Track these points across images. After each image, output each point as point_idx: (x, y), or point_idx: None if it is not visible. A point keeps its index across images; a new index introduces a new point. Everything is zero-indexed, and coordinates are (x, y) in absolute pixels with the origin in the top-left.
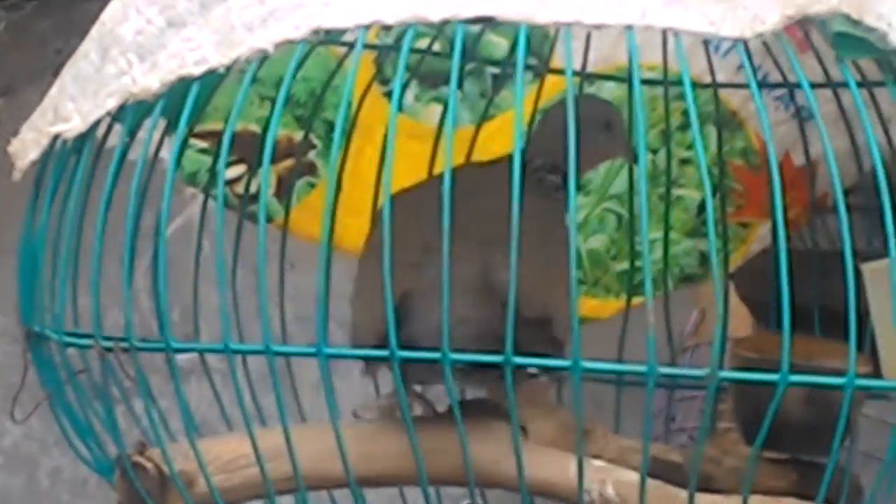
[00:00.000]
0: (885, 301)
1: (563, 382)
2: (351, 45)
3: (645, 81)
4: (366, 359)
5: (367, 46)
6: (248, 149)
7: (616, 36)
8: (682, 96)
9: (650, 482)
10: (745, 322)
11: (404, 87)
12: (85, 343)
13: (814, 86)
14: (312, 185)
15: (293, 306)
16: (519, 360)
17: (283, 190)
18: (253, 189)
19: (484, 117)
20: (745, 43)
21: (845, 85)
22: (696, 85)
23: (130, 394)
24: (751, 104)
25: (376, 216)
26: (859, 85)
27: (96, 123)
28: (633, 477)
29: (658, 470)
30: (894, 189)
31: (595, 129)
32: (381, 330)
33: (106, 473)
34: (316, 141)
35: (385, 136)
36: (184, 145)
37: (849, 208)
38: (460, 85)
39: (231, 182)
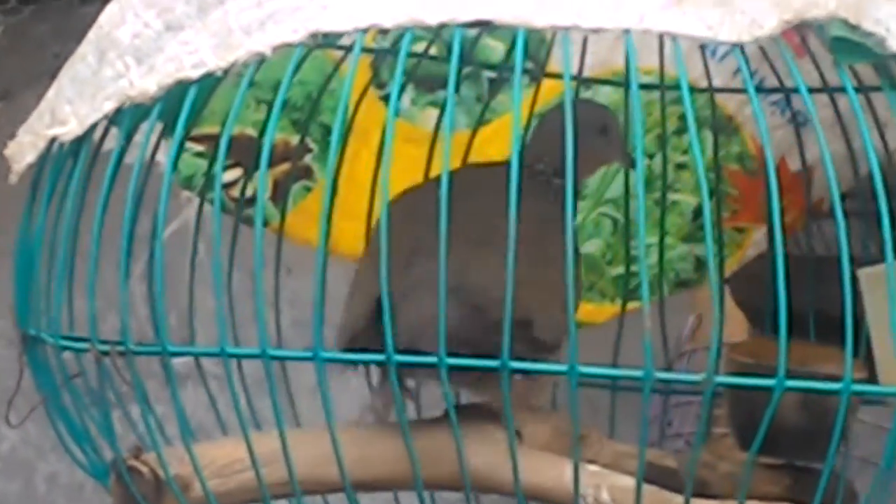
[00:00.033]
0: (882, 306)
1: (541, 384)
2: (348, 49)
3: (642, 86)
4: (362, 363)
5: (363, 50)
6: (244, 152)
7: (613, 40)
8: (678, 101)
9: (645, 487)
10: (741, 327)
11: (401, 90)
12: (81, 347)
13: (811, 91)
14: (308, 189)
15: (290, 311)
16: (516, 364)
17: (280, 194)
18: (249, 193)
19: (480, 121)
20: (742, 47)
21: (842, 90)
22: (692, 89)
23: (126, 399)
24: (747, 109)
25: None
26: (856, 90)
27: (93, 127)
28: (629, 482)
29: (653, 475)
30: (891, 194)
31: (591, 133)
32: (356, 329)
33: (101, 478)
34: (312, 145)
35: (381, 140)
36: (180, 149)
37: (845, 213)
38: (457, 89)
39: (227, 186)
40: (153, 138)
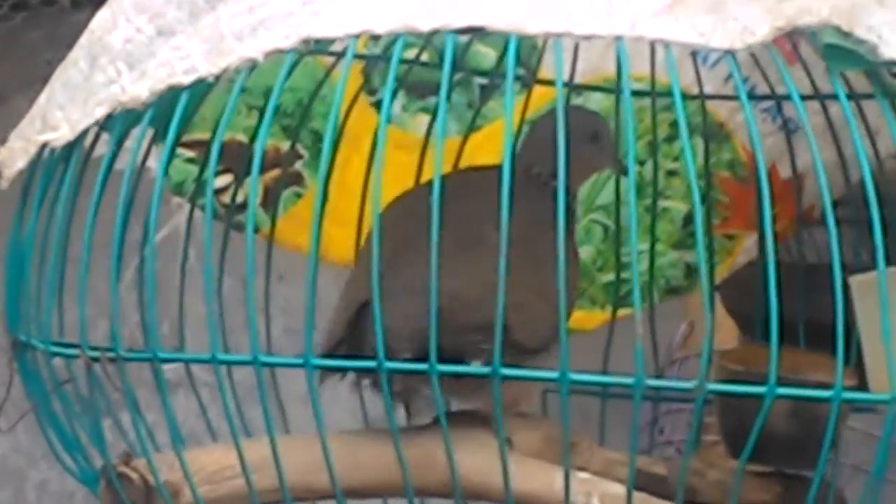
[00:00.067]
0: (873, 314)
1: (525, 389)
2: (339, 55)
3: (633, 93)
4: (352, 370)
5: (355, 56)
6: (235, 159)
7: (604, 47)
8: (669, 108)
9: (636, 495)
10: (731, 334)
11: (392, 97)
12: (71, 353)
13: (802, 98)
14: (299, 196)
15: (282, 319)
16: (507, 371)
17: (270, 200)
18: (239, 199)
19: (471, 128)
20: (734, 54)
21: (833, 97)
22: (684, 96)
23: (117, 406)
24: (738, 116)
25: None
26: (848, 97)
27: (84, 132)
28: (619, 489)
29: (643, 482)
30: (882, 201)
31: (582, 140)
32: (337, 334)
33: (91, 484)
34: (303, 151)
35: (372, 147)
36: (171, 155)
37: (836, 221)
38: (448, 95)
39: (218, 192)
40: (144, 144)
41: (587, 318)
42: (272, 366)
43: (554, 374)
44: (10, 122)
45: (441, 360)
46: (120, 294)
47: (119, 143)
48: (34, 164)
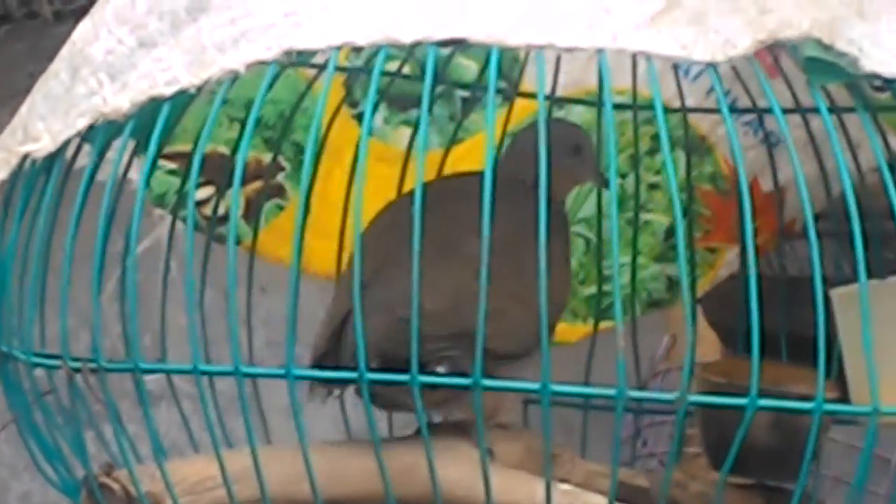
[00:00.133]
0: (854, 326)
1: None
2: (321, 67)
3: (615, 106)
4: (334, 381)
5: (337, 68)
6: (216, 170)
7: (586, 59)
8: (650, 121)
9: None
10: (713, 347)
11: (374, 109)
12: (53, 364)
13: (784, 111)
14: (281, 208)
15: (264, 331)
16: (489, 382)
17: (252, 212)
18: (221, 211)
19: (453, 140)
20: (715, 67)
21: (815, 110)
22: (666, 109)
23: (99, 417)
24: (720, 129)
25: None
26: (829, 110)
27: (66, 143)
28: (600, 501)
29: (624, 494)
30: (864, 214)
31: (564, 153)
32: (321, 348)
33: (73, 495)
34: (284, 163)
35: (354, 159)
36: (153, 166)
37: (818, 234)
38: (430, 108)
39: (199, 204)
40: (126, 155)
41: (569, 330)
42: (254, 376)
43: (535, 386)
44: None
45: (405, 371)
46: (102, 305)
47: (101, 155)
48: (16, 175)
